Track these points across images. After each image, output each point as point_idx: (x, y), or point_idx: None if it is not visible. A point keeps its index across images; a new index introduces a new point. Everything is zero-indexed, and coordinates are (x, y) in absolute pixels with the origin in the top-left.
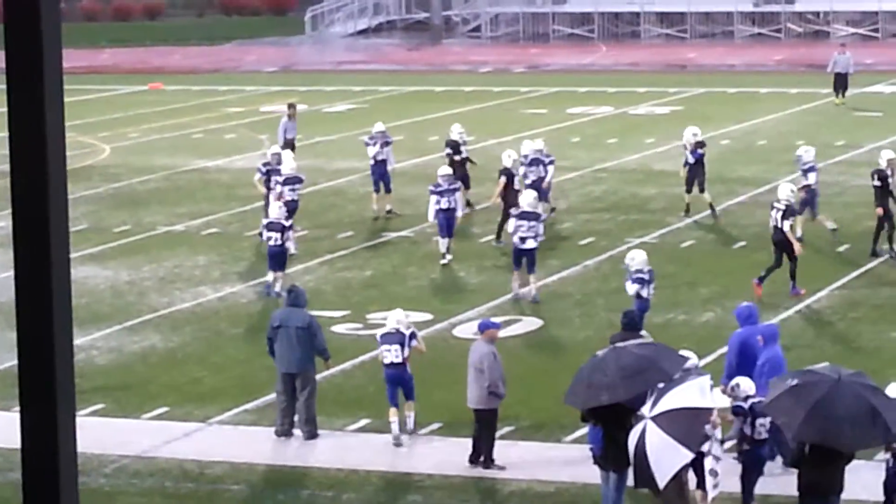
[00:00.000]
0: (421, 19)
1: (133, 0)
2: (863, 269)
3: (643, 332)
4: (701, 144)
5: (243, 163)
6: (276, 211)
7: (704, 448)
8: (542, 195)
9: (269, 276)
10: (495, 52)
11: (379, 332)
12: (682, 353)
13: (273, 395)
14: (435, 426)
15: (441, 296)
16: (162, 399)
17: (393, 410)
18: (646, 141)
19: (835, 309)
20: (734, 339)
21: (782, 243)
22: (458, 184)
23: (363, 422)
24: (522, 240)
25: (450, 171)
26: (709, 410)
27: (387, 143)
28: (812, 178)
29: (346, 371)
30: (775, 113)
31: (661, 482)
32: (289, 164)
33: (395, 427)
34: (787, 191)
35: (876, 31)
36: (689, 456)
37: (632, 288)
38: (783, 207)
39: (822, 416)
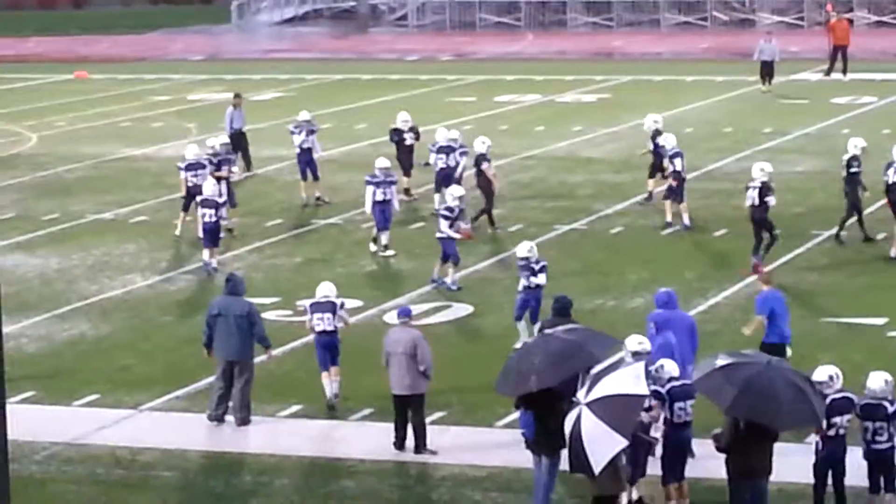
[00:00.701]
0: (347, 8)
1: None
2: (791, 255)
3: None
4: (657, 133)
5: (171, 151)
6: (211, 188)
7: (657, 434)
8: (449, 183)
9: (205, 254)
10: (422, 41)
11: (308, 302)
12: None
13: (204, 382)
14: (366, 412)
15: (371, 282)
16: (92, 386)
17: (325, 374)
18: (573, 129)
19: None
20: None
21: (763, 221)
22: (395, 176)
23: (294, 408)
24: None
25: (387, 163)
26: (642, 397)
27: (312, 132)
28: (678, 164)
29: (277, 357)
30: (702, 101)
31: (597, 468)
32: (192, 151)
33: (328, 389)
34: (758, 170)
35: (801, 19)
36: (623, 442)
37: (543, 278)
38: (759, 185)
39: (754, 392)
